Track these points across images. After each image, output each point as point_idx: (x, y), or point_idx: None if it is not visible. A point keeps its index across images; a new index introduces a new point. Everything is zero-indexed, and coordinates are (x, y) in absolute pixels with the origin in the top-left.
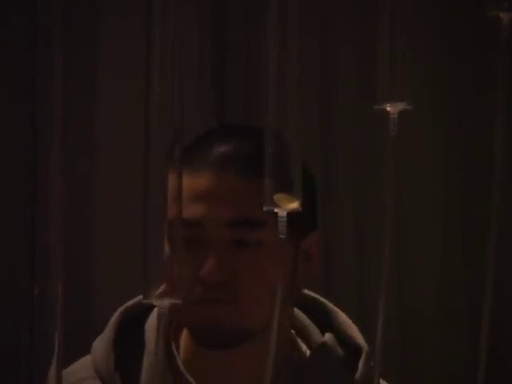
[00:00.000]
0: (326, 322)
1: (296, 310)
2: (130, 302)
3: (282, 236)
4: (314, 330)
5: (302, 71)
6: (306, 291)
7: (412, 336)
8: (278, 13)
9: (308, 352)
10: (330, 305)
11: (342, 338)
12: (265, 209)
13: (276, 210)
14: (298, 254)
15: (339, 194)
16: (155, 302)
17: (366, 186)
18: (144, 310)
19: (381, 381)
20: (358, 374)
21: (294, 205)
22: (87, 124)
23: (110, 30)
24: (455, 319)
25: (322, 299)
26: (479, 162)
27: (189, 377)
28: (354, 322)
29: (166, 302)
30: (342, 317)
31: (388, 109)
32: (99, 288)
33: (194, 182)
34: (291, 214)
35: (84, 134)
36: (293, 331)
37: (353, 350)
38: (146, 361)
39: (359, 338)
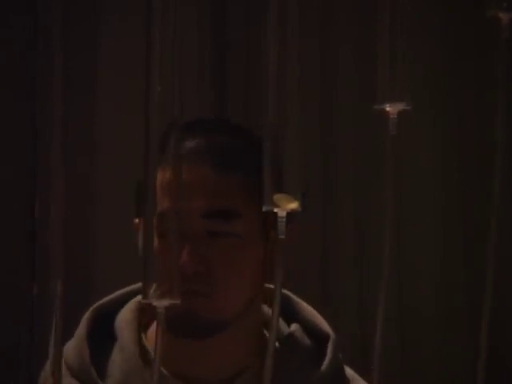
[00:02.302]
0: (290, 313)
1: None
2: (102, 301)
3: (281, 236)
4: (279, 321)
5: (301, 71)
6: (269, 285)
7: (412, 336)
8: (277, 13)
9: (276, 343)
10: (294, 296)
11: (308, 328)
12: (264, 209)
13: (276, 210)
14: (270, 246)
15: (339, 194)
16: (154, 303)
17: (366, 186)
18: (116, 307)
19: (350, 372)
20: (326, 361)
21: (294, 205)
22: (87, 124)
23: (109, 30)
24: (455, 319)
25: (285, 291)
26: (479, 162)
27: (162, 368)
28: (354, 321)
29: (165, 303)
30: (306, 307)
31: (387, 109)
32: (99, 288)
33: (168, 175)
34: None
35: (84, 133)
36: None
37: (319, 338)
38: (118, 355)
39: (325, 327)
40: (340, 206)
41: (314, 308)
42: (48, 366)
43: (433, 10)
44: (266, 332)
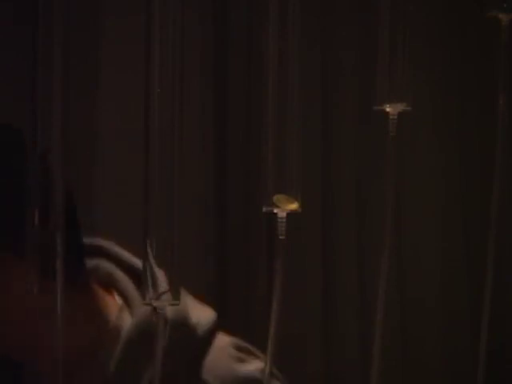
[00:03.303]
0: None
1: (124, 278)
2: None
3: (281, 237)
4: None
5: (302, 71)
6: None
7: (412, 336)
8: (279, 13)
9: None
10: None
11: None
12: (264, 210)
13: (276, 211)
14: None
15: (339, 194)
16: (155, 304)
17: (366, 186)
18: None
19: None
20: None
21: (294, 206)
22: (87, 123)
23: (110, 29)
24: (455, 320)
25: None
26: (479, 161)
27: None
28: (354, 321)
29: (165, 304)
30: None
31: (387, 110)
32: None
33: None
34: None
35: (84, 133)
36: (121, 301)
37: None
38: None
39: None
40: (340, 207)
41: (314, 307)
42: None
43: (433, 10)
44: (124, 311)
